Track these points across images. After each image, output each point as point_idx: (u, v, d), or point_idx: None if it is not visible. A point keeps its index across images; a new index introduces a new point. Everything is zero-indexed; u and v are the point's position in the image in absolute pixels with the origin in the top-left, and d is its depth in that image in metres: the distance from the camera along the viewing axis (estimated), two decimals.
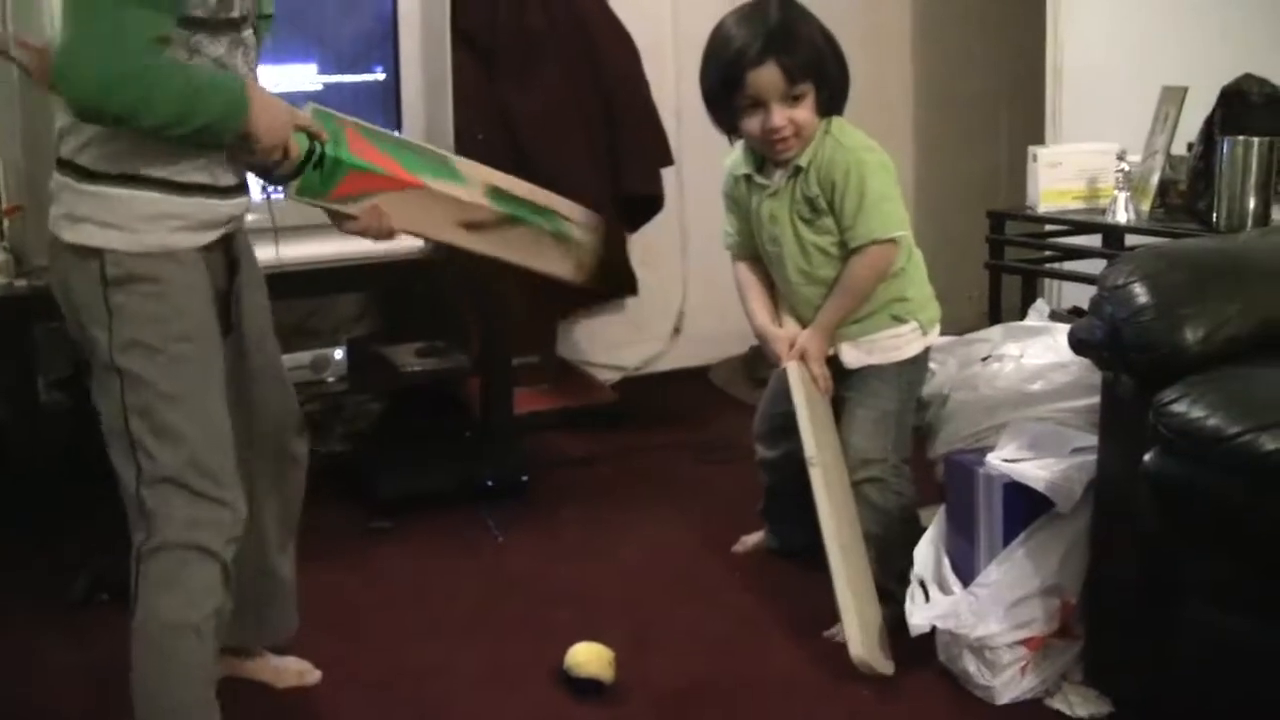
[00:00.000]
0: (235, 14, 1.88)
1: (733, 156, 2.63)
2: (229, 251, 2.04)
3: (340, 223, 2.08)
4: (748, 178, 2.58)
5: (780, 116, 2.43)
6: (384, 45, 3.16)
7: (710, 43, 2.51)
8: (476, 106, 3.45)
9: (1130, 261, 2.08)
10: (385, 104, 3.18)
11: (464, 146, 3.30)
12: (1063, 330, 2.38)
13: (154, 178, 1.85)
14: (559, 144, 3.67)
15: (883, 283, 2.49)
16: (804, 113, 2.44)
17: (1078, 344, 2.09)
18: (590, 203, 3.65)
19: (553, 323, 4.11)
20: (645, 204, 3.90)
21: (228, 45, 1.89)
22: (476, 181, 2.28)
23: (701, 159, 4.07)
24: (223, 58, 1.88)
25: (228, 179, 1.94)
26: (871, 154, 2.48)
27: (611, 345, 4.34)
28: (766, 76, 2.41)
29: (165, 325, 1.87)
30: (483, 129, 3.49)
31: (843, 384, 2.56)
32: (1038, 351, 2.54)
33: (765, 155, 2.53)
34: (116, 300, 1.86)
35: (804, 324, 2.56)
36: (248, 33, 1.93)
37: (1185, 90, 3.03)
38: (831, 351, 2.55)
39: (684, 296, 4.43)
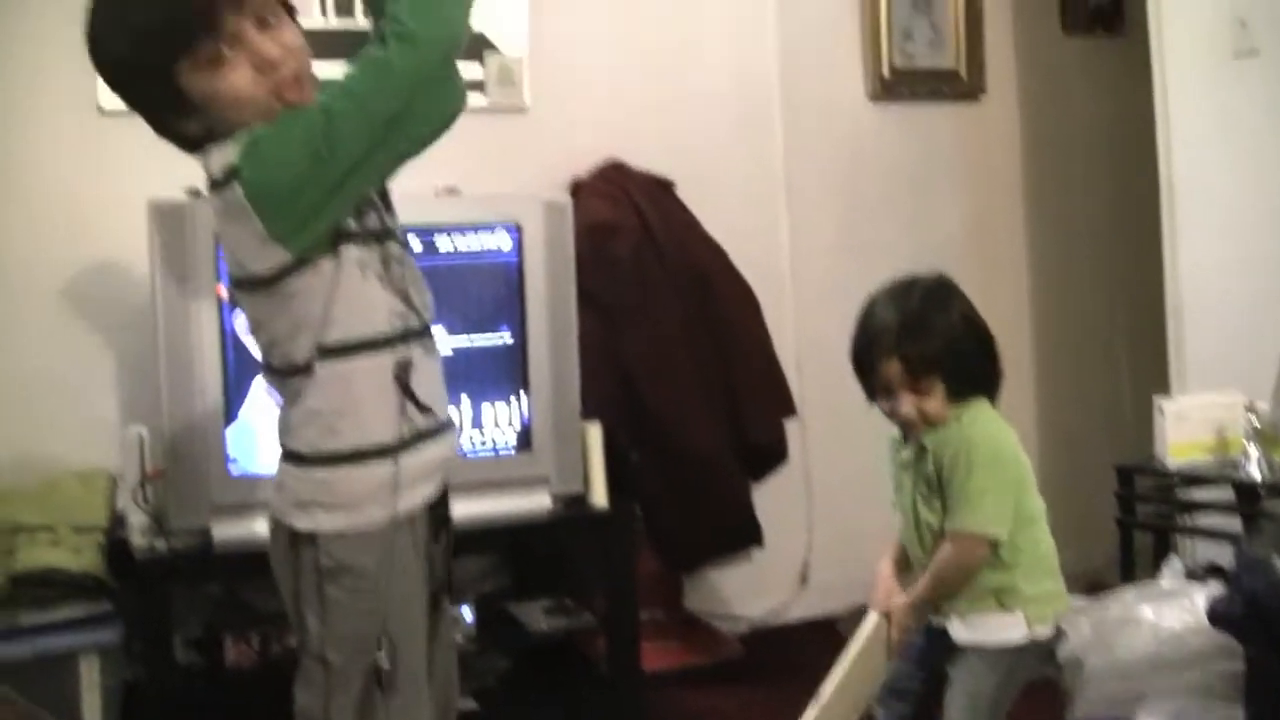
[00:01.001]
0: (375, 226, 1.90)
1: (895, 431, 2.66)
2: (440, 508, 2.03)
3: None
4: (894, 441, 2.61)
5: (906, 404, 2.45)
6: (510, 307, 3.26)
7: (860, 315, 2.54)
8: (598, 360, 3.53)
9: (1266, 532, 2.05)
10: (511, 365, 3.27)
11: (587, 402, 3.39)
12: (1198, 592, 2.35)
13: (366, 449, 1.86)
14: (682, 398, 3.73)
15: (985, 572, 2.45)
16: (932, 403, 2.44)
17: (1216, 618, 2.06)
18: (712, 449, 3.76)
19: (679, 577, 4.11)
20: (769, 454, 3.93)
21: (380, 258, 1.89)
22: None
23: (823, 409, 4.16)
24: (380, 272, 1.89)
25: (430, 420, 1.95)
26: (987, 443, 2.46)
27: (737, 597, 4.31)
28: (893, 369, 2.44)
29: (377, 620, 1.87)
30: (606, 385, 3.57)
31: (949, 660, 2.52)
32: (1173, 614, 2.49)
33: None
34: (330, 593, 1.86)
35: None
36: (393, 246, 1.93)
37: None
38: (942, 625, 2.52)
39: (809, 546, 4.41)
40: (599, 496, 3.40)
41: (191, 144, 1.84)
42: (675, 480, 3.71)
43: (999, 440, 2.47)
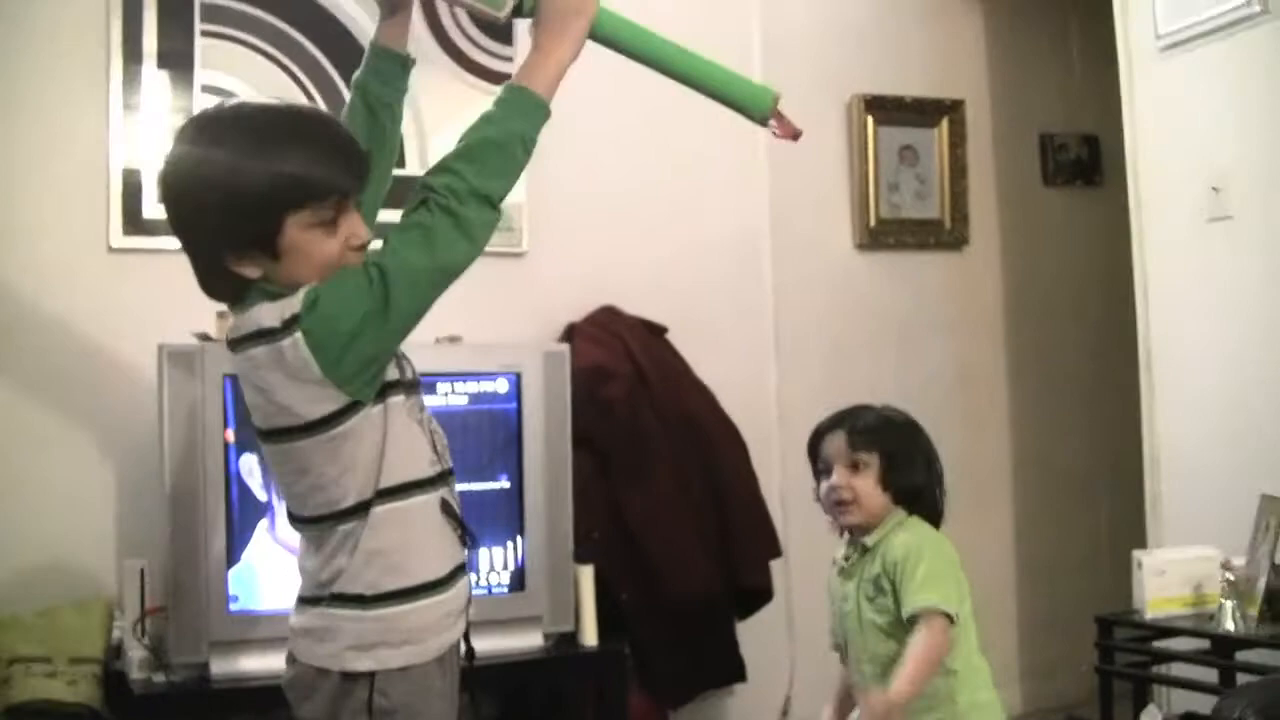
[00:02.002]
0: (410, 375, 2.02)
1: (837, 554, 2.78)
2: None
3: None
4: (834, 562, 2.74)
5: (840, 476, 2.64)
6: (508, 454, 3.35)
7: None
8: (594, 504, 3.62)
9: (1243, 696, 2.14)
10: (509, 510, 3.36)
11: (581, 544, 3.47)
12: None
13: (430, 583, 1.96)
14: (672, 538, 3.81)
15: (937, 679, 2.54)
16: (864, 483, 2.64)
17: None
18: (703, 591, 3.83)
19: (665, 712, 4.16)
20: (757, 595, 4.00)
21: (416, 405, 2.01)
22: None
23: (807, 549, 4.21)
24: (417, 417, 2.00)
25: (459, 557, 2.04)
26: (934, 542, 2.61)
27: None
28: (833, 441, 2.68)
29: None
30: (600, 526, 3.65)
31: None
32: None
33: (834, 525, 2.72)
34: None
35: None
36: (421, 394, 2.05)
37: None
38: None
39: (790, 681, 4.45)
40: (589, 636, 3.48)
41: (232, 290, 1.93)
42: (665, 619, 3.79)
43: (944, 543, 2.63)
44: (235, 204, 1.85)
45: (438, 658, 1.97)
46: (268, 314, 1.88)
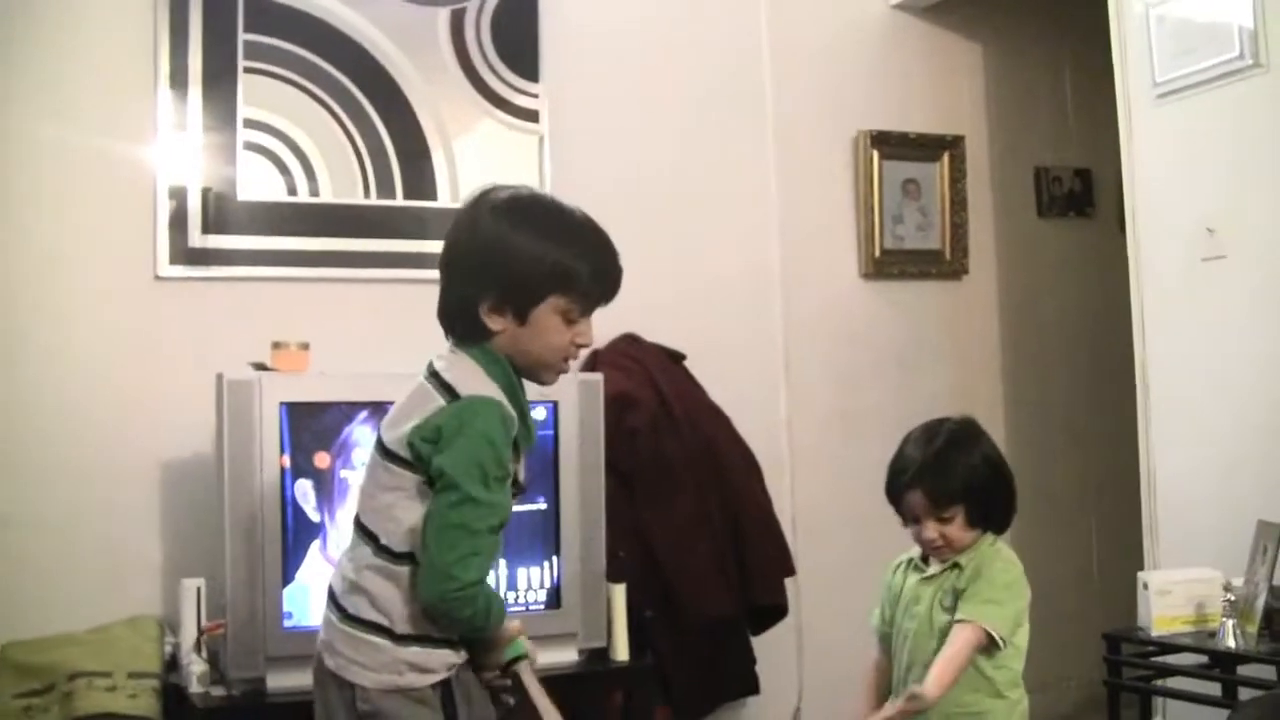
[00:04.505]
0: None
1: (903, 554, 2.93)
2: None
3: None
4: (911, 562, 2.87)
5: (930, 530, 2.75)
6: (546, 478, 3.50)
7: (895, 454, 2.85)
8: (618, 526, 3.76)
9: (1251, 709, 2.34)
10: (546, 531, 3.51)
11: (609, 564, 3.63)
12: None
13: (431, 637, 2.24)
14: (692, 558, 3.97)
15: (965, 692, 2.67)
16: (954, 529, 2.74)
17: None
18: (722, 610, 4.00)
19: None
20: (771, 612, 4.17)
21: None
22: None
23: (816, 566, 4.40)
24: None
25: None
26: (1013, 568, 2.76)
27: None
28: (915, 499, 2.76)
29: None
30: (624, 547, 3.81)
31: None
32: None
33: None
34: None
35: None
36: None
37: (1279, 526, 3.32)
38: None
39: (800, 695, 4.62)
40: (620, 651, 3.65)
41: (465, 329, 2.27)
42: (686, 636, 3.96)
43: (1019, 570, 2.77)
44: (519, 268, 2.20)
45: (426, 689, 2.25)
46: (463, 377, 2.24)
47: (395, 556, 2.23)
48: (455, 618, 2.20)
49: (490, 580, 2.27)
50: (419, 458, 2.20)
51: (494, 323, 2.23)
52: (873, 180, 4.76)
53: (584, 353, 2.30)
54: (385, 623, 2.22)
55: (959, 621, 2.69)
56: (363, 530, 2.28)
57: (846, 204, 4.81)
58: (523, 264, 2.20)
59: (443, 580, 2.14)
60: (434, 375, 2.26)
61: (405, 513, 2.22)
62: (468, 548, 2.15)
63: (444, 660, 2.26)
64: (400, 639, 2.22)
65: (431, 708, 2.23)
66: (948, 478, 2.75)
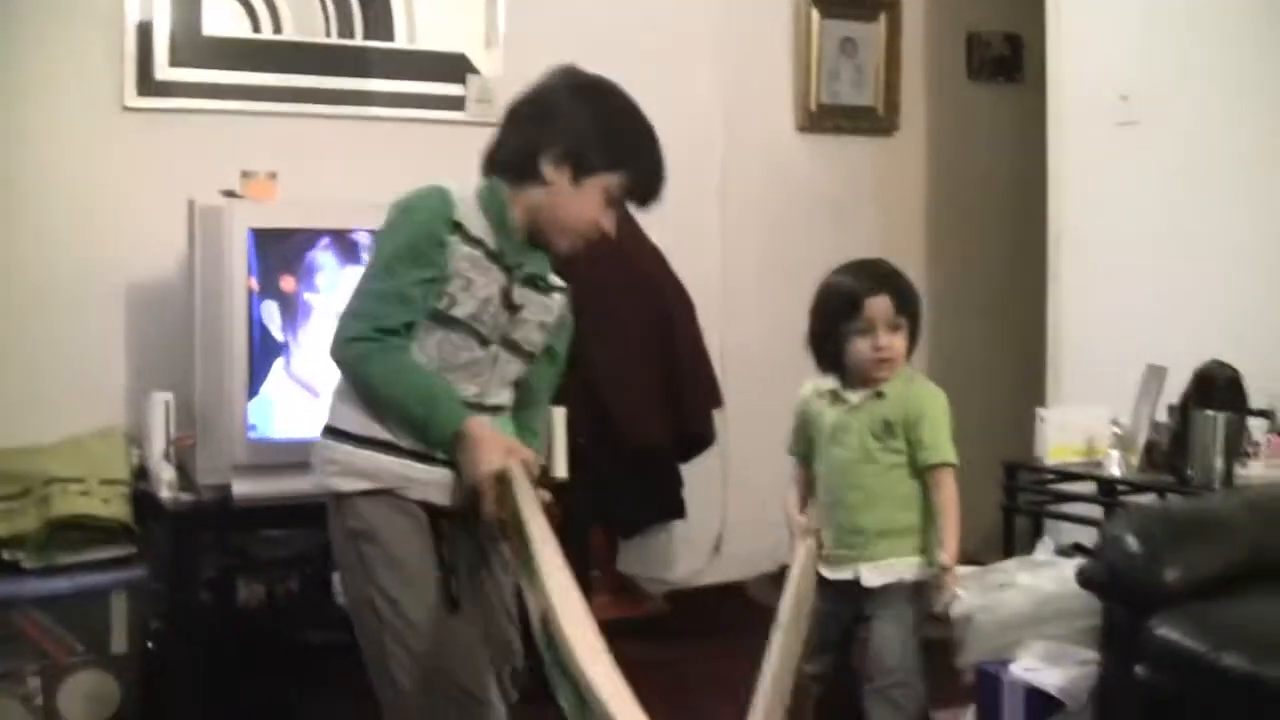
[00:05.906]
0: (484, 331, 2.37)
1: (809, 386, 3.03)
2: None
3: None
4: (832, 393, 2.94)
5: (884, 338, 2.84)
6: None
7: (824, 290, 2.95)
8: None
9: (1125, 518, 2.67)
10: None
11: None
12: (1067, 564, 2.96)
13: (379, 440, 2.36)
14: (627, 388, 4.18)
15: (899, 516, 2.87)
16: (900, 342, 2.86)
17: (1084, 581, 2.66)
18: (655, 438, 4.25)
19: (613, 542, 4.62)
20: (700, 440, 4.39)
21: (482, 353, 2.38)
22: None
23: (741, 400, 4.59)
24: (477, 361, 2.39)
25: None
26: (943, 399, 2.92)
27: (659, 562, 4.79)
28: (880, 304, 2.84)
29: (395, 571, 2.34)
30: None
31: (867, 603, 2.87)
32: (1047, 581, 3.06)
33: (864, 376, 2.89)
34: (363, 550, 2.36)
35: (833, 526, 2.92)
36: (496, 349, 2.41)
37: (1165, 370, 3.61)
38: (852, 575, 2.87)
39: (724, 520, 4.89)
40: (560, 469, 3.88)
41: (516, 173, 2.38)
42: (620, 462, 4.19)
43: (940, 393, 2.94)
44: (595, 135, 2.35)
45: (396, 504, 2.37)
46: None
47: None
48: (352, 374, 2.33)
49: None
50: None
51: (550, 173, 2.34)
52: (810, 37, 4.95)
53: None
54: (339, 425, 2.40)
55: (932, 467, 2.84)
56: None
57: (784, 59, 4.99)
58: (601, 133, 2.35)
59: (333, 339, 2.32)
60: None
61: None
62: (350, 307, 2.32)
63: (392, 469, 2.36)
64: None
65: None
66: (909, 288, 2.91)
